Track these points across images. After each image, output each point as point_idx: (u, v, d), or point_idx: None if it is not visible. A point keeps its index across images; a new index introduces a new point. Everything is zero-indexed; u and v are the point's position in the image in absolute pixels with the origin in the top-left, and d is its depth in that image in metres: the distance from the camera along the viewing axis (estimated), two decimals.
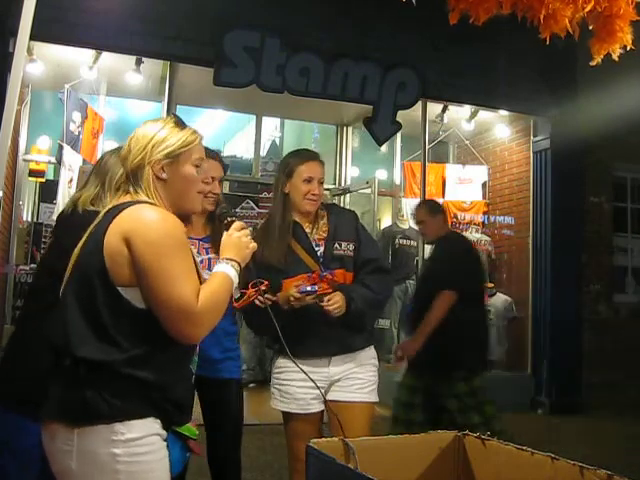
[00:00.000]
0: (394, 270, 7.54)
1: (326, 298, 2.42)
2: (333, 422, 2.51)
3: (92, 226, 1.59)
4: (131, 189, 1.63)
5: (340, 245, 2.58)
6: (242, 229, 1.78)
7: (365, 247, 2.63)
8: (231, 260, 1.68)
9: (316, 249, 2.57)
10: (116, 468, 1.44)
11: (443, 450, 1.79)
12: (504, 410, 6.17)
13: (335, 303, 2.42)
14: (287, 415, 2.54)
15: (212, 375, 2.48)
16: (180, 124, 1.69)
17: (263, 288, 2.24)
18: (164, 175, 1.64)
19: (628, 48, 3.16)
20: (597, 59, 3.21)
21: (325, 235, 2.60)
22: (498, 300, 6.96)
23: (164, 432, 1.54)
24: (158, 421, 1.52)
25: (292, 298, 2.41)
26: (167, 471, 1.54)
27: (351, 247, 2.59)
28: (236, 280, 1.66)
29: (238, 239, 1.74)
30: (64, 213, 2.32)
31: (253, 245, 1.77)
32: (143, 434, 1.47)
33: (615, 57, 3.19)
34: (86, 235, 1.59)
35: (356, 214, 2.81)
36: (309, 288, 2.40)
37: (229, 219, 1.89)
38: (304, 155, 2.66)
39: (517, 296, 7.14)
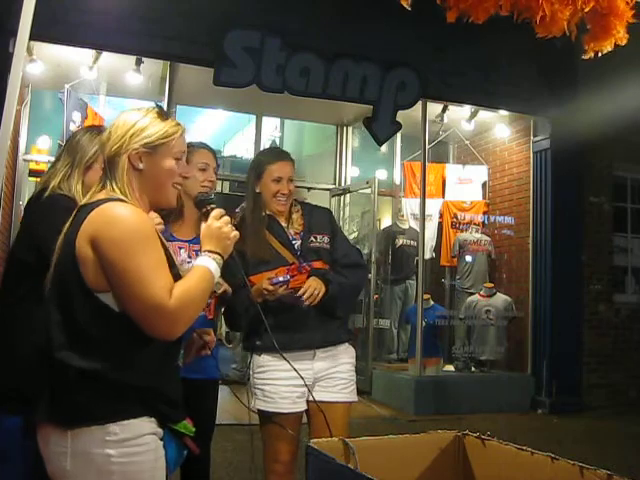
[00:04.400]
0: (394, 270, 7.56)
1: (302, 290, 2.43)
2: (314, 422, 2.53)
3: (66, 227, 1.55)
4: (107, 182, 1.59)
5: (316, 238, 2.63)
6: (222, 217, 1.68)
7: (338, 243, 2.69)
8: (212, 252, 1.61)
9: (293, 242, 2.61)
10: (110, 469, 1.43)
11: (443, 450, 1.79)
12: (504, 410, 6.22)
13: (310, 288, 2.44)
14: (269, 415, 2.52)
15: (188, 376, 2.43)
16: (163, 114, 1.65)
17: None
18: (141, 165, 1.58)
19: (621, 43, 3.16)
20: (589, 54, 3.22)
21: (301, 229, 2.65)
22: (498, 300, 6.96)
23: (160, 430, 1.52)
24: (153, 420, 1.50)
25: (265, 291, 2.42)
26: (163, 470, 1.52)
27: (326, 240, 2.64)
28: (217, 273, 1.60)
29: (218, 229, 1.65)
30: (32, 197, 2.23)
31: (235, 234, 1.68)
32: (138, 434, 1.46)
33: (606, 50, 3.19)
34: (61, 236, 1.56)
35: (330, 210, 2.88)
36: (281, 279, 2.42)
37: (208, 207, 1.74)
38: (274, 155, 2.70)
39: (517, 296, 7.14)
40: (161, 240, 1.57)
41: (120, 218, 1.48)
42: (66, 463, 1.44)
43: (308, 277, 2.49)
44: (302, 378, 2.36)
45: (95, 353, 1.46)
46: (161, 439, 1.53)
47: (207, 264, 1.58)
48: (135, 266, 1.44)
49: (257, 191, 2.63)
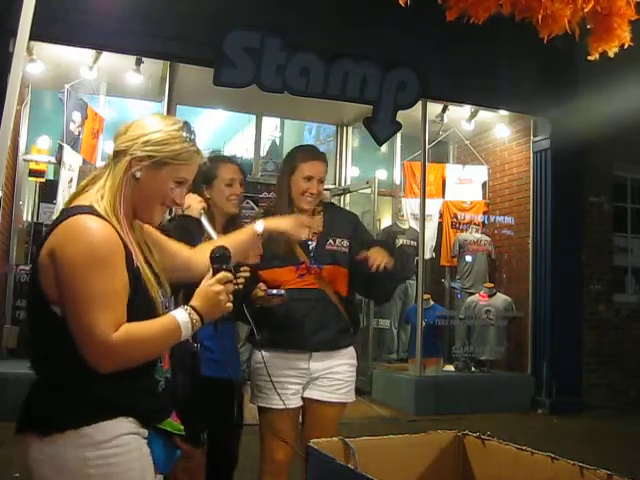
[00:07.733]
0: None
1: (370, 258, 2.37)
2: (304, 420, 2.55)
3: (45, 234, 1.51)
4: (104, 176, 1.53)
5: (334, 241, 2.60)
6: (225, 284, 1.55)
7: (368, 238, 2.71)
8: (193, 310, 1.50)
9: (309, 243, 2.58)
10: (88, 472, 1.41)
11: (443, 450, 1.79)
12: (504, 410, 6.21)
13: (377, 255, 2.39)
14: (264, 411, 2.53)
15: (214, 375, 2.45)
16: (188, 136, 1.57)
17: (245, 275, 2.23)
18: (138, 174, 1.52)
19: (626, 46, 3.16)
20: (594, 55, 3.22)
21: (320, 230, 2.62)
22: (498, 300, 6.96)
23: (143, 430, 1.49)
24: (132, 419, 1.47)
25: (259, 300, 2.40)
26: (147, 470, 1.50)
27: (345, 244, 2.60)
28: (186, 331, 1.49)
29: (215, 294, 1.53)
30: None
31: (228, 306, 1.56)
32: (114, 435, 1.43)
33: (611, 54, 3.20)
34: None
35: (356, 215, 2.84)
36: (274, 292, 2.40)
37: (217, 266, 1.59)
38: (309, 153, 2.68)
39: (517, 296, 7.13)
40: (130, 263, 1.47)
41: (83, 236, 1.41)
42: (46, 470, 1.43)
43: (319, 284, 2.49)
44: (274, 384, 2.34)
45: (57, 364, 1.44)
46: (145, 438, 1.50)
47: (178, 317, 1.49)
48: (85, 291, 1.38)
49: (288, 186, 2.62)
